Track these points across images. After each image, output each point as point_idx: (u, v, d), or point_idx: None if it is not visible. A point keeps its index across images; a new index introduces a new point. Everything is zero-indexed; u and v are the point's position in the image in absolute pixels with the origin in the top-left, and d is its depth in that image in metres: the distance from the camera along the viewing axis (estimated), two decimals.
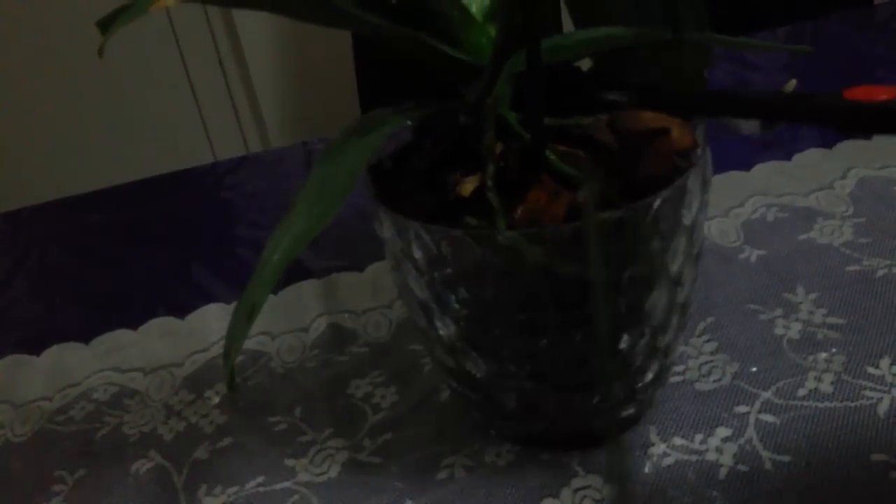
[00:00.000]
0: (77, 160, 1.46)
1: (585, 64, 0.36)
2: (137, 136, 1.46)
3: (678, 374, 0.38)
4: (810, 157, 0.54)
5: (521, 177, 0.30)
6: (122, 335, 0.48)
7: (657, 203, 0.28)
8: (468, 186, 0.30)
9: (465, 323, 0.31)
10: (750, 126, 0.30)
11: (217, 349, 0.46)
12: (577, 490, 0.34)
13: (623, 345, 0.31)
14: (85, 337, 0.48)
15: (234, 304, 0.49)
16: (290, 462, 0.38)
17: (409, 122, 0.35)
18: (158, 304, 0.51)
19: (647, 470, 0.34)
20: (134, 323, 0.49)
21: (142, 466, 0.39)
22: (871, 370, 0.37)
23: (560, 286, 0.29)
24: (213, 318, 0.48)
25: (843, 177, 0.51)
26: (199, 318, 0.49)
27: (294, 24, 1.43)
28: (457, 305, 0.30)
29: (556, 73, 0.32)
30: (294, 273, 0.51)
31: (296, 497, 0.36)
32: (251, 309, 0.28)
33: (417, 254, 0.30)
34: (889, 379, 0.36)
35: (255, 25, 1.43)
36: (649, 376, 0.33)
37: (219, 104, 1.52)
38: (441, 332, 0.32)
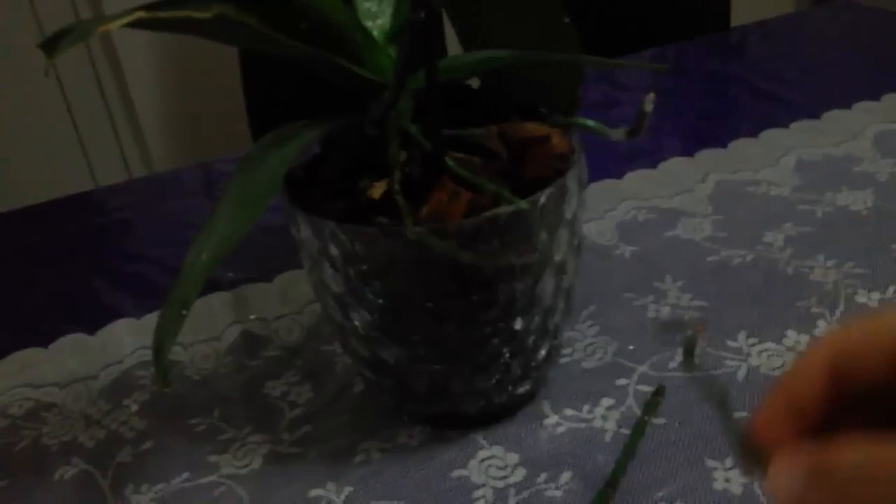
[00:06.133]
0: None
1: (474, 82, 0.40)
2: (14, 165, 1.42)
3: (567, 355, 0.43)
4: (674, 165, 0.60)
5: (424, 181, 0.33)
6: (34, 353, 0.49)
7: (543, 199, 0.33)
8: (378, 190, 0.33)
9: (378, 313, 0.34)
10: (617, 133, 0.35)
11: (131, 361, 0.47)
12: (482, 461, 0.38)
13: (518, 326, 0.35)
14: None
15: (143, 319, 0.51)
16: (213, 458, 0.40)
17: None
18: (65, 322, 0.51)
19: (543, 438, 0.38)
20: (43, 341, 0.50)
21: (65, 473, 0.40)
22: (730, 343, 0.43)
23: (462, 275, 0.33)
24: (123, 333, 0.50)
25: (703, 181, 0.58)
26: (109, 333, 0.50)
27: (176, 46, 1.43)
28: (371, 297, 0.34)
29: (450, 90, 0.36)
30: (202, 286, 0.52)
31: (221, 489, 0.38)
32: (182, 306, 0.30)
33: (334, 252, 0.33)
34: (746, 350, 0.42)
35: (135, 48, 1.42)
36: (542, 354, 0.38)
37: (99, 129, 1.49)
38: (356, 322, 0.35)
